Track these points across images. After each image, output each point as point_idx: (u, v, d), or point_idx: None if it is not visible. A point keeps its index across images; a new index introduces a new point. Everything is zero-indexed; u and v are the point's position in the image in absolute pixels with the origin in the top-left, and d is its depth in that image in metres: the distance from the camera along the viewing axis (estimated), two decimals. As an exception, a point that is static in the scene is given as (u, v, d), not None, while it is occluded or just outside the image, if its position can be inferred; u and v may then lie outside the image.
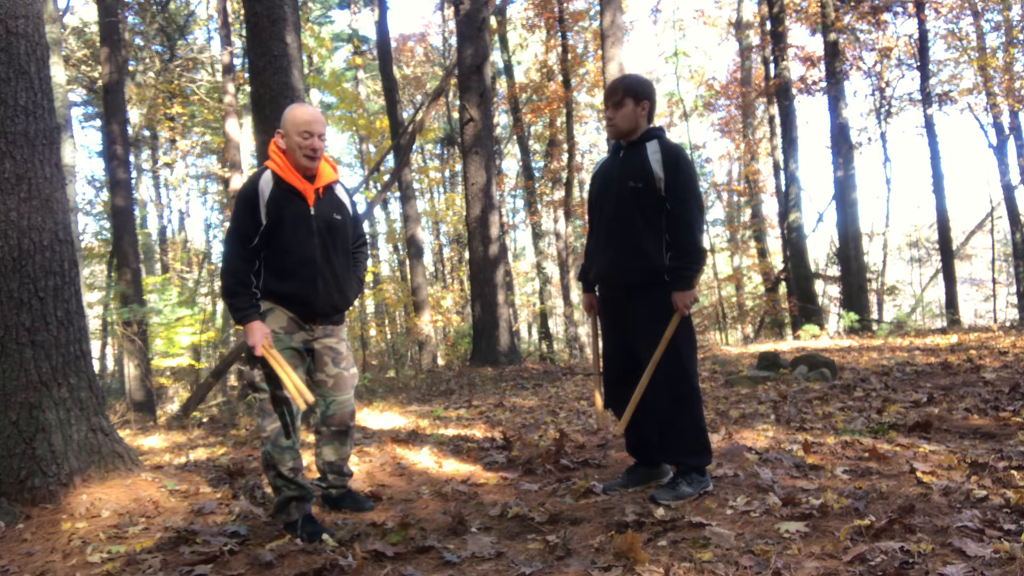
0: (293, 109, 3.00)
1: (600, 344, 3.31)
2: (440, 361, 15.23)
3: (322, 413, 3.18)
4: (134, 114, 17.65)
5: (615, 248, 3.05)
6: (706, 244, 3.09)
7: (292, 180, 2.93)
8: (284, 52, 6.13)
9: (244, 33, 10.92)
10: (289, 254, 2.91)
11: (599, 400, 3.32)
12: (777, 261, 19.89)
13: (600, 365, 3.31)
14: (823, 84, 16.11)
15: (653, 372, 2.98)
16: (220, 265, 2.97)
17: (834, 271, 18.23)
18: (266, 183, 2.91)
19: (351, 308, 3.29)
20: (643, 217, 2.98)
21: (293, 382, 2.84)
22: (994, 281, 22.00)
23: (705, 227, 2.97)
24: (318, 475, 3.35)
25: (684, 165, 2.96)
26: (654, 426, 3.07)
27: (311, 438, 4.76)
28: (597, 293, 3.29)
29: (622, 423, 3.10)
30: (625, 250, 3.02)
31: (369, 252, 3.54)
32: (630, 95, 3.05)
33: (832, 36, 14.47)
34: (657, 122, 3.21)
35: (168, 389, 13.47)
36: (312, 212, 2.97)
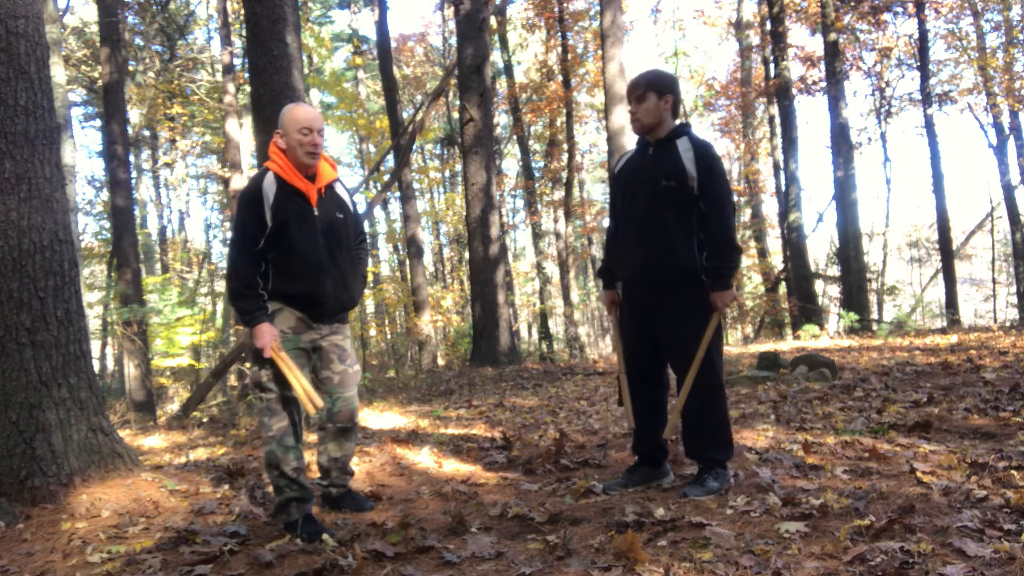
0: (290, 108, 3.01)
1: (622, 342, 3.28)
2: (440, 361, 15.23)
3: (328, 410, 3.19)
4: (134, 114, 17.66)
5: (647, 247, 3.03)
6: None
7: (295, 181, 2.93)
8: (284, 52, 6.14)
9: (244, 33, 10.93)
10: (296, 255, 2.92)
11: (626, 398, 3.26)
12: (777, 261, 19.90)
13: (622, 362, 3.27)
14: (823, 84, 16.11)
15: (689, 371, 2.98)
16: (226, 269, 2.97)
17: (834, 271, 18.24)
18: (269, 185, 2.91)
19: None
20: (675, 216, 2.97)
21: (303, 387, 2.86)
22: (994, 281, 22.01)
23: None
24: (318, 475, 3.35)
25: (716, 163, 2.96)
26: (684, 423, 3.08)
27: (312, 437, 4.76)
28: (619, 290, 3.27)
29: (669, 427, 3.10)
30: (657, 249, 3.00)
31: (369, 249, 3.61)
32: (653, 89, 3.04)
33: (832, 36, 14.47)
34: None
35: (168, 389, 13.47)
36: (316, 212, 2.98)
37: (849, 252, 14.22)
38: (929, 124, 15.99)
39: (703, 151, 2.96)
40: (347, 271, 3.07)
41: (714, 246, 2.94)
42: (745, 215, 22.25)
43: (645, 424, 3.15)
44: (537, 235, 23.81)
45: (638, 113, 3.07)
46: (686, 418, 3.09)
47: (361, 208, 12.98)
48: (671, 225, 2.98)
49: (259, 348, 2.82)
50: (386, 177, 18.88)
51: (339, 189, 3.15)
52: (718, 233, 2.94)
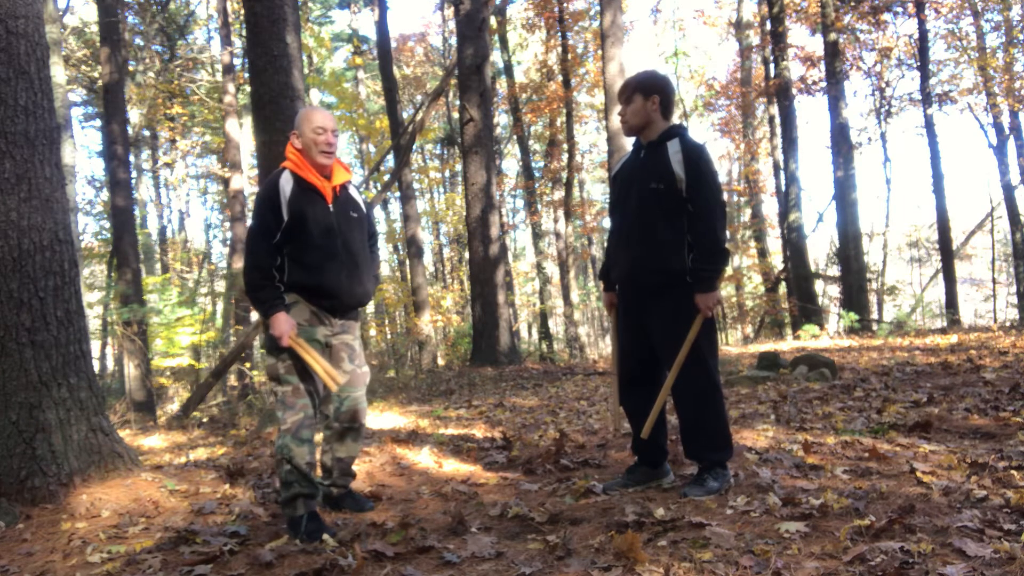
0: (305, 110, 3.12)
1: (617, 343, 3.30)
2: (440, 361, 15.23)
3: (335, 409, 3.22)
4: (134, 114, 17.66)
5: (637, 249, 3.05)
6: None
7: (311, 178, 3.02)
8: (284, 52, 6.13)
9: (244, 33, 10.93)
10: (314, 249, 2.98)
11: (615, 399, 3.31)
12: (777, 261, 19.89)
13: (616, 364, 3.29)
14: (823, 84, 16.11)
15: (676, 374, 2.99)
16: (244, 262, 3.02)
17: (834, 271, 18.24)
18: (286, 182, 2.98)
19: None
20: (665, 218, 2.99)
21: (323, 366, 2.93)
22: (994, 281, 22.00)
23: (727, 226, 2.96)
24: (321, 473, 3.35)
25: (705, 165, 2.96)
26: (682, 424, 3.10)
27: (316, 437, 4.76)
28: (618, 292, 3.29)
29: (647, 426, 3.10)
30: (648, 251, 3.02)
31: (379, 252, 3.73)
32: (639, 90, 3.06)
33: (832, 36, 14.46)
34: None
35: (168, 389, 13.46)
36: (332, 209, 3.05)
37: (849, 252, 14.22)
38: (929, 124, 15.99)
39: (692, 153, 2.96)
40: (362, 266, 3.13)
41: (700, 248, 2.95)
42: (745, 215, 22.25)
43: (641, 425, 3.16)
44: (537, 235, 23.81)
45: (626, 115, 3.11)
46: (683, 420, 3.10)
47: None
48: (661, 227, 2.99)
49: (277, 336, 2.86)
50: (386, 177, 18.89)
51: (352, 191, 3.23)
52: (705, 235, 2.94)
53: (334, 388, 2.97)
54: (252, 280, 2.95)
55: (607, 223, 3.48)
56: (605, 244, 3.48)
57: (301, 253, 2.97)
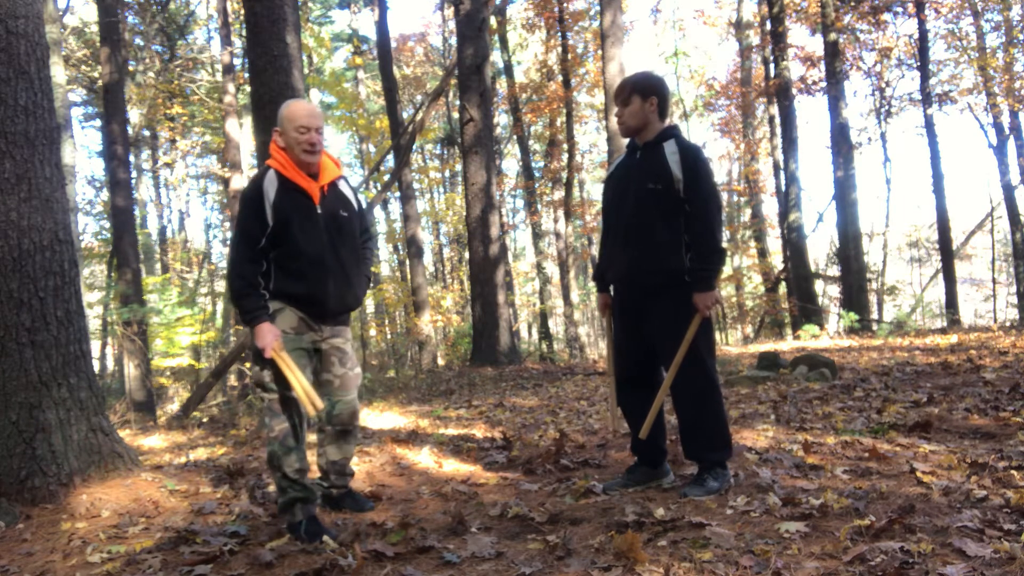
0: (288, 105, 2.95)
1: (613, 344, 3.30)
2: (440, 361, 15.23)
3: (328, 413, 3.17)
4: (134, 114, 17.66)
5: (634, 250, 3.05)
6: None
7: (297, 179, 2.89)
8: (284, 52, 6.13)
9: (244, 33, 10.92)
10: (299, 255, 2.88)
11: (614, 400, 3.32)
12: (777, 261, 19.89)
13: (613, 365, 3.29)
14: (823, 84, 16.12)
15: (674, 374, 2.99)
16: (227, 267, 2.93)
17: (834, 271, 18.24)
18: (270, 183, 2.86)
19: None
20: (662, 218, 2.99)
21: (303, 387, 2.83)
22: (994, 281, 22.00)
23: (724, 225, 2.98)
24: (319, 475, 3.34)
25: (702, 165, 2.97)
26: (681, 425, 3.10)
27: (312, 438, 4.76)
28: (612, 293, 3.28)
29: (645, 427, 3.09)
30: (644, 252, 3.02)
31: (375, 248, 3.56)
32: (637, 91, 3.06)
33: (832, 36, 14.47)
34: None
35: (168, 389, 13.47)
36: (319, 211, 2.93)
37: (849, 252, 14.22)
38: (929, 124, 15.99)
39: (689, 153, 2.98)
40: (351, 270, 3.03)
41: (698, 248, 2.96)
42: (745, 215, 22.25)
43: (640, 425, 3.16)
44: (537, 235, 23.81)
45: (623, 116, 3.11)
46: (682, 420, 3.11)
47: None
48: (658, 228, 2.99)
49: (260, 348, 2.79)
50: (386, 177, 18.89)
51: (343, 187, 3.10)
52: (702, 236, 2.95)
53: (312, 412, 2.83)
54: (235, 288, 2.85)
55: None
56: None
57: (287, 259, 2.88)
